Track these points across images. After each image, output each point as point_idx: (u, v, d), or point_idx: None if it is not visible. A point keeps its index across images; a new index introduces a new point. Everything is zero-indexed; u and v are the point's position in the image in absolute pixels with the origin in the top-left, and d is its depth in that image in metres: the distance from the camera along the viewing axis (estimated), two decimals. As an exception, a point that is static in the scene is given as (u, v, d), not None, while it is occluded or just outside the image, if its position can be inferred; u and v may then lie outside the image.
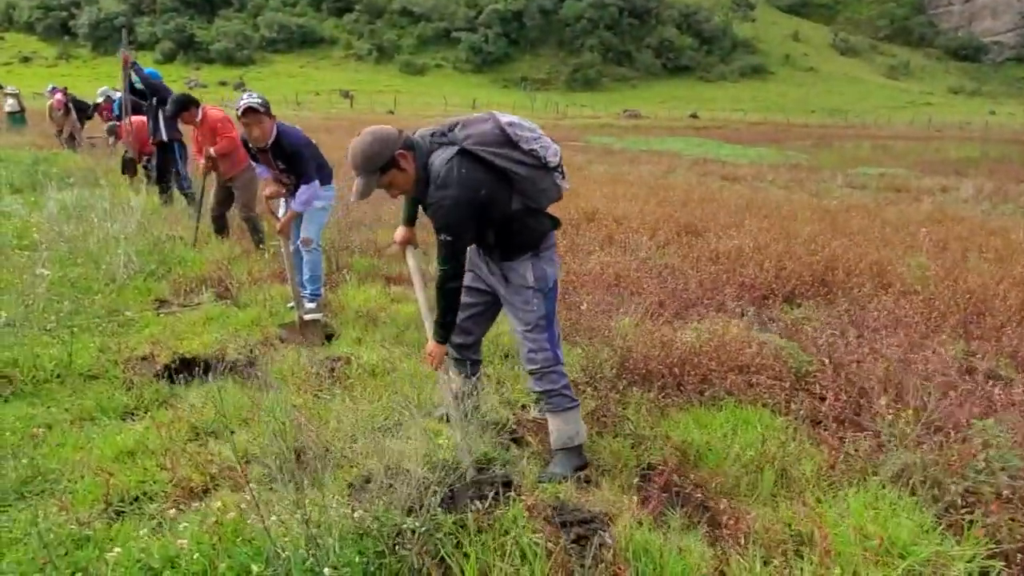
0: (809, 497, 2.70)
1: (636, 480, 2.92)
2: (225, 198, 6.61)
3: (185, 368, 3.63)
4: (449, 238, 2.66)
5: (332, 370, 3.88)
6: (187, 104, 6.34)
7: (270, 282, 5.57)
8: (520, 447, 3.12)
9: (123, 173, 8.85)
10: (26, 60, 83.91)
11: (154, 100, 8.20)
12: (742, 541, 2.35)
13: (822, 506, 2.62)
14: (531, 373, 2.99)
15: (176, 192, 8.57)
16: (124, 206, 7.73)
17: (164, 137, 8.22)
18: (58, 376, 3.56)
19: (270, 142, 4.53)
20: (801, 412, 3.48)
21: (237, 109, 4.42)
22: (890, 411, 3.51)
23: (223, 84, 71.35)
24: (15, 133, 18.41)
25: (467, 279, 3.02)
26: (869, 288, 6.31)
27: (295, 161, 4.58)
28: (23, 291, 4.55)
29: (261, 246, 6.40)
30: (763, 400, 3.68)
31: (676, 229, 9.26)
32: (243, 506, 2.23)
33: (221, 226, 6.76)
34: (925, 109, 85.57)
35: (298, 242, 4.79)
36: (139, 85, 8.23)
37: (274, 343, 4.33)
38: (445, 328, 2.87)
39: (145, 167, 10.09)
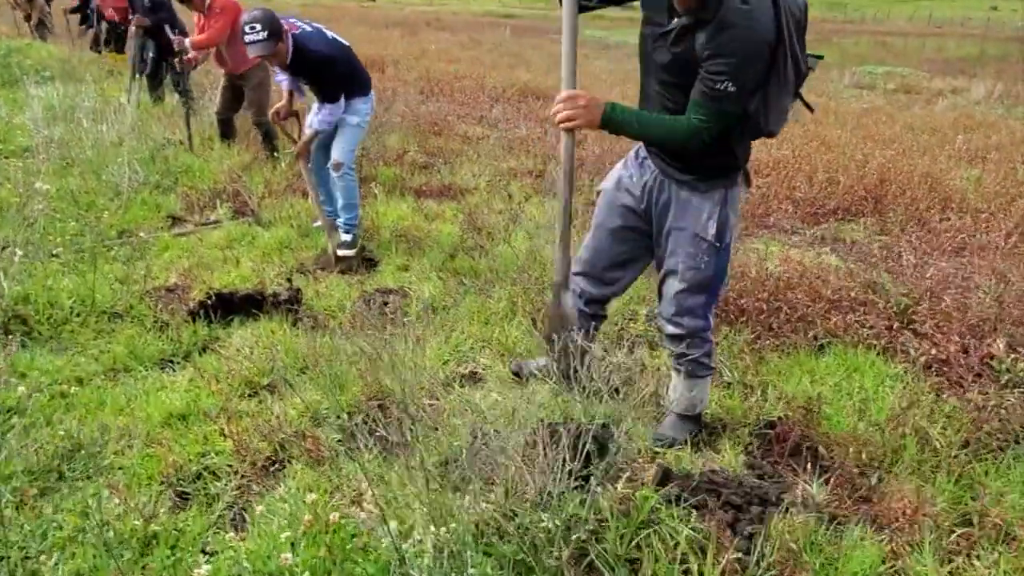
0: (962, 470, 2.38)
1: (756, 443, 2.58)
2: (233, 98, 5.91)
3: (222, 304, 3.17)
4: (733, 88, 1.98)
5: (385, 304, 3.44)
6: None
7: (291, 195, 5.02)
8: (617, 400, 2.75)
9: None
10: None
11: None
12: (917, 533, 2.03)
13: (991, 480, 2.30)
14: (670, 336, 2.49)
15: (169, 88, 7.76)
16: (114, 105, 7.00)
17: (148, 22, 7.35)
18: (77, 315, 3.08)
19: (289, 60, 3.87)
20: (920, 358, 3.12)
21: (247, 41, 3.66)
22: (1009, 355, 3.18)
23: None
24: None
25: (616, 214, 2.47)
26: (925, 204, 5.89)
27: (317, 76, 3.91)
28: (20, 209, 4.00)
29: (276, 154, 5.78)
30: (867, 341, 3.32)
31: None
32: (339, 497, 1.85)
33: (227, 130, 6.10)
34: (925, 4, 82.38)
35: (328, 166, 4.18)
36: None
37: (311, 271, 3.86)
38: (644, 125, 2.14)
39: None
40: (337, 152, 4.09)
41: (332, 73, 3.88)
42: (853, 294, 3.71)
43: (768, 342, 3.30)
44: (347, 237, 4.21)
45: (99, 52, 10.27)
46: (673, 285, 2.39)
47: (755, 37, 1.95)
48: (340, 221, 4.27)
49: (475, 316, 3.37)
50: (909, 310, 3.60)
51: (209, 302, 3.14)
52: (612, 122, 2.10)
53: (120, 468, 2.18)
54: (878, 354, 3.23)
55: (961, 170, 7.16)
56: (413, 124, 8.07)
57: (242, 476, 2.20)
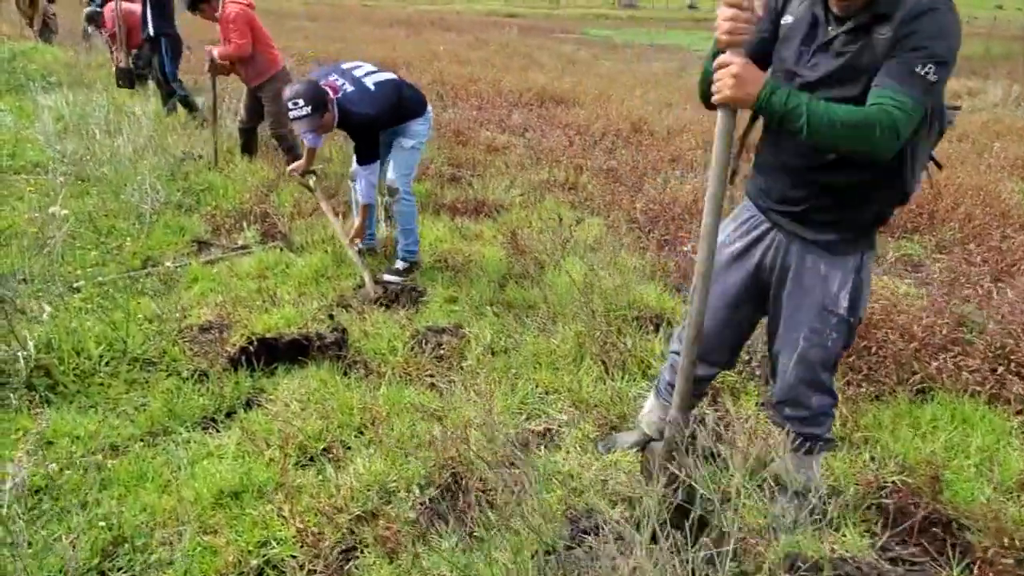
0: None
1: (877, 517, 2.28)
2: (255, 109, 5.61)
3: (265, 350, 2.87)
4: (934, 78, 1.64)
5: (439, 345, 3.13)
6: None
7: (322, 216, 4.72)
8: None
9: (120, 86, 7.66)
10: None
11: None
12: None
13: None
14: (792, 419, 2.14)
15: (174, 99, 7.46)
16: (128, 115, 6.70)
17: (151, 32, 7.07)
18: (107, 363, 2.78)
19: (336, 124, 3.63)
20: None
21: (292, 117, 3.49)
22: None
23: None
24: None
25: (728, 285, 2.11)
26: (981, 220, 5.59)
27: (359, 136, 3.68)
28: (36, 234, 3.70)
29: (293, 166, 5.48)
30: (970, 387, 3.03)
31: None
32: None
33: (250, 143, 5.79)
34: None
35: (385, 192, 3.92)
36: None
37: (353, 305, 3.55)
38: (819, 116, 1.65)
39: (137, 66, 8.87)
40: (393, 177, 3.80)
41: (374, 132, 3.66)
42: (944, 331, 3.41)
43: (863, 389, 3.01)
44: (401, 265, 3.94)
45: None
46: (794, 364, 2.04)
47: (957, 26, 1.65)
48: (399, 247, 3.99)
49: (539, 360, 3.07)
50: (1009, 350, 3.31)
51: (251, 348, 2.84)
52: (772, 106, 1.65)
53: (171, 564, 1.88)
54: (986, 403, 2.94)
55: (1012, 183, 6.87)
56: (436, 132, 7.76)
57: (310, 572, 1.90)
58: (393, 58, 15.05)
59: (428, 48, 19.70)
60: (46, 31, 12.25)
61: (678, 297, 3.82)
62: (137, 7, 7.54)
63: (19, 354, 2.62)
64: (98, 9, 9.01)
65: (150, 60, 7.61)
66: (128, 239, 4.00)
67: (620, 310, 3.51)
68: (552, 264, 4.24)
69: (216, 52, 5.30)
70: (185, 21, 7.24)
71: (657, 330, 3.40)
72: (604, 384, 2.91)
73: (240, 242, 4.31)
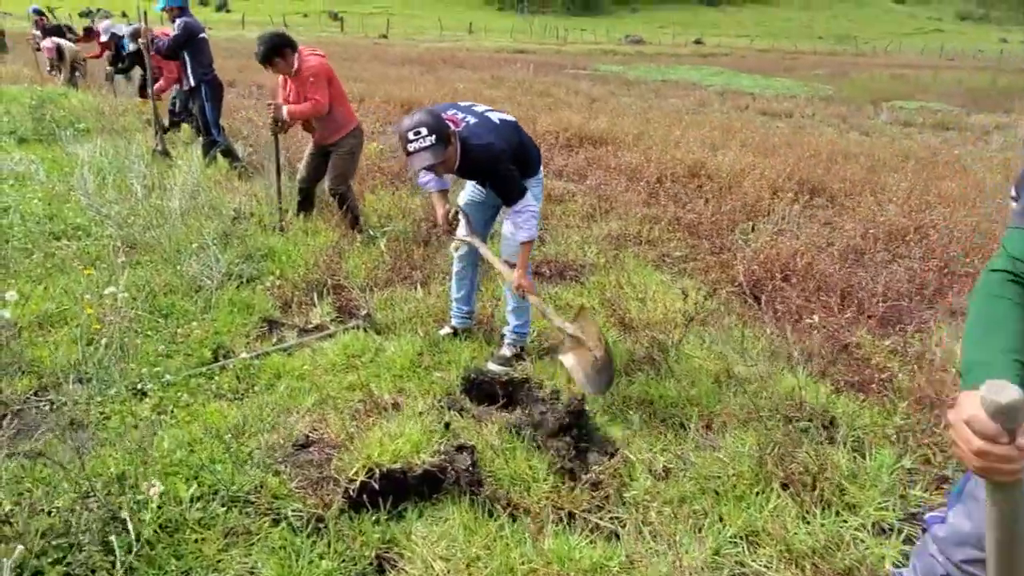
0: None
1: None
2: (318, 166, 5.12)
3: (391, 484, 2.31)
4: None
5: (598, 485, 2.53)
6: (280, 47, 4.76)
7: (400, 286, 4.20)
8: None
9: (204, 156, 7.14)
10: (-10, -24, 78.32)
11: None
12: None
13: None
14: None
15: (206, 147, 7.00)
16: (168, 165, 6.25)
17: (192, 82, 6.65)
18: (198, 507, 2.22)
19: (457, 164, 3.11)
20: None
21: (407, 150, 2.95)
22: None
23: (203, 4, 67.32)
24: (-3, 61, 16.42)
25: None
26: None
27: (491, 175, 3.16)
28: (89, 320, 3.17)
29: (369, 232, 4.98)
30: None
31: (802, 189, 7.93)
32: None
33: (307, 202, 5.29)
34: (935, 36, 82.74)
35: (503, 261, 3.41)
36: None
37: (467, 409, 2.99)
38: None
39: (173, 113, 8.46)
40: (513, 247, 3.28)
41: (510, 166, 3.12)
42: None
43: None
44: (509, 350, 3.39)
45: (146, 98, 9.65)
46: None
47: None
48: (507, 329, 3.45)
49: (716, 486, 2.50)
50: None
51: (374, 483, 2.28)
52: None
53: None
54: None
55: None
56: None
57: None
58: (418, 98, 14.72)
59: (449, 87, 19.48)
60: (73, 75, 11.94)
61: (849, 394, 3.26)
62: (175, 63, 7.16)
63: (89, 501, 2.07)
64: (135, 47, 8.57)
65: (187, 106, 7.20)
66: (193, 322, 3.47)
67: (784, 411, 2.96)
68: (670, 342, 3.70)
69: (287, 109, 4.81)
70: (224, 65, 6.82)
71: (832, 441, 2.83)
72: (807, 523, 2.33)
73: (315, 320, 3.77)
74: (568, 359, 3.11)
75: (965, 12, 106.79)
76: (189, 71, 6.55)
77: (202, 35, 6.55)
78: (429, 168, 2.98)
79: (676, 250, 5.69)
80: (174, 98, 8.33)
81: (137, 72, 11.47)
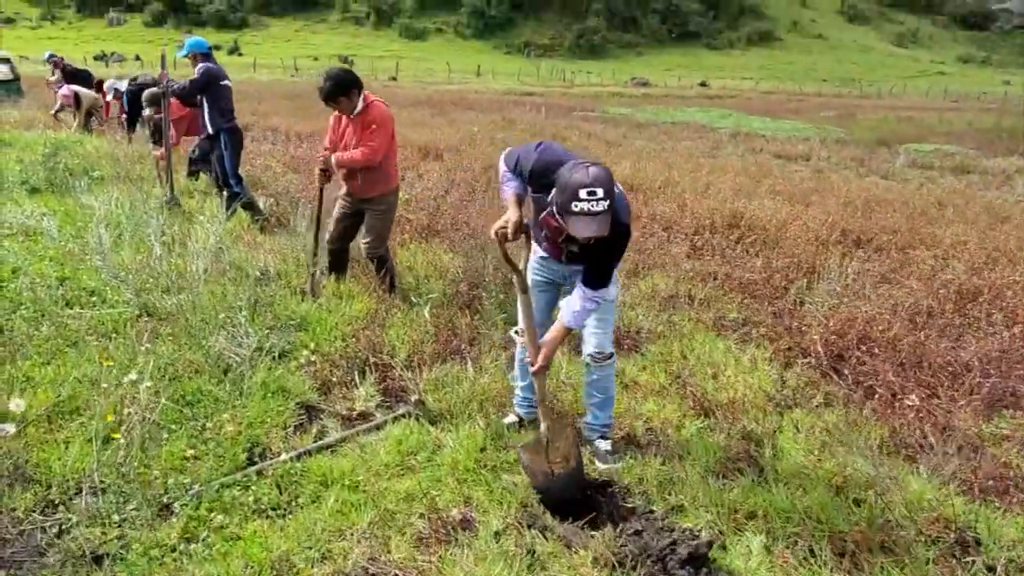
0: None
1: None
2: (353, 224, 4.74)
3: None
4: None
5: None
6: (349, 84, 4.34)
7: (450, 363, 3.76)
8: None
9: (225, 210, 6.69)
10: (9, 22, 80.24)
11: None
12: None
13: None
14: None
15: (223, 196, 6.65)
16: (186, 217, 5.89)
17: (210, 129, 6.35)
18: None
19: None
20: None
21: (575, 211, 2.39)
22: None
23: (216, 48, 68.25)
24: (10, 105, 16.31)
25: None
26: None
27: (596, 259, 2.66)
28: (105, 411, 2.73)
29: (411, 299, 4.57)
30: None
31: (845, 239, 7.57)
32: None
33: (340, 262, 4.89)
34: (938, 79, 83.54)
35: (585, 358, 2.96)
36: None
37: (550, 527, 2.52)
38: None
39: (191, 161, 8.17)
40: (599, 339, 2.84)
41: (622, 251, 2.67)
42: None
43: None
44: (606, 444, 2.95)
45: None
46: None
47: None
48: (591, 421, 3.02)
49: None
50: None
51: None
52: None
53: None
54: None
55: None
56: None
57: None
58: (435, 142, 14.50)
59: (463, 130, 19.38)
60: (88, 120, 11.74)
61: (985, 502, 2.79)
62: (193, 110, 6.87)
63: None
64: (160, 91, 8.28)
65: (207, 156, 6.90)
66: (224, 412, 3.03)
67: (924, 529, 2.49)
68: (763, 432, 3.25)
69: (336, 157, 4.42)
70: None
71: (993, 572, 2.36)
72: None
73: (359, 406, 3.33)
74: (524, 456, 2.72)
75: (967, 56, 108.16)
76: (207, 118, 6.25)
77: (224, 82, 6.25)
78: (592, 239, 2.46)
79: (732, 311, 5.28)
80: (195, 145, 8.06)
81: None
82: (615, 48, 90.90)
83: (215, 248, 4.96)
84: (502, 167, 2.88)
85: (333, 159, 4.43)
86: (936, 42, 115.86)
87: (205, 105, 6.22)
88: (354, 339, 3.92)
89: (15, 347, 3.50)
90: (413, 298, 4.47)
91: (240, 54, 68.20)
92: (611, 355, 2.95)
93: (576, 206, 2.34)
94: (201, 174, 8.22)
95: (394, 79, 49.86)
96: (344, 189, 4.77)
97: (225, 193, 6.47)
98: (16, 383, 2.99)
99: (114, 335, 3.75)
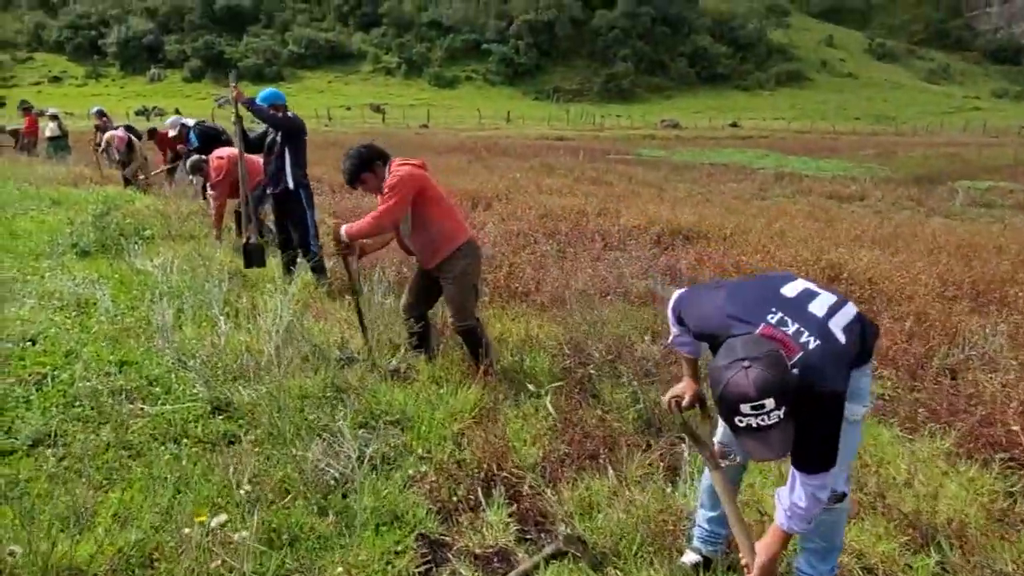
0: None
1: None
2: (426, 290, 4.14)
3: None
4: None
5: None
6: (369, 159, 3.90)
7: (590, 475, 3.05)
8: None
9: (249, 266, 6.14)
10: (56, 80, 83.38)
11: (278, 135, 5.86)
12: None
13: None
14: None
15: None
16: (250, 288, 5.34)
17: (291, 184, 5.83)
18: None
19: None
20: None
21: (744, 426, 1.77)
22: None
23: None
24: (58, 161, 16.29)
25: None
26: None
27: (801, 431, 1.88)
28: (193, 565, 2.08)
29: (491, 369, 3.91)
30: None
31: (961, 293, 6.81)
32: None
33: (423, 337, 4.26)
34: (974, 114, 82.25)
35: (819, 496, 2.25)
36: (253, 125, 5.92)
37: None
38: None
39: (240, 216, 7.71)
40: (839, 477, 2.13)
41: (837, 423, 1.94)
42: None
43: None
44: None
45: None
46: None
47: None
48: (806, 570, 2.28)
49: None
50: None
51: None
52: None
53: None
54: None
55: None
56: (620, 298, 6.21)
57: None
58: (481, 190, 14.03)
59: (505, 176, 19.01)
60: (134, 178, 11.49)
61: None
62: (258, 157, 6.38)
63: None
64: (203, 158, 7.95)
65: (283, 222, 6.29)
66: (332, 555, 2.35)
67: None
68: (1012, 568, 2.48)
69: (346, 228, 3.89)
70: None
71: None
72: None
73: (490, 538, 2.63)
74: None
75: (1000, 90, 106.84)
76: (288, 171, 5.74)
77: (305, 136, 5.80)
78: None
79: (875, 386, 4.52)
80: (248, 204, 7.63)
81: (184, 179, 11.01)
82: (643, 92, 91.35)
83: (287, 322, 4.36)
84: (670, 315, 2.36)
85: (343, 231, 3.88)
86: (968, 78, 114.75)
87: (287, 157, 5.74)
88: (467, 440, 3.24)
89: (73, 459, 2.89)
90: (526, 383, 3.78)
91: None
92: (843, 495, 2.22)
93: (740, 421, 1.76)
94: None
95: (425, 126, 50.35)
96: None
97: (299, 254, 5.91)
98: (76, 519, 2.35)
99: (184, 440, 3.13)
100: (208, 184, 7.81)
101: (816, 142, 46.04)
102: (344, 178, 3.99)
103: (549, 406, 3.46)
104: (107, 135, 11.89)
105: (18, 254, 6.66)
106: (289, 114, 5.82)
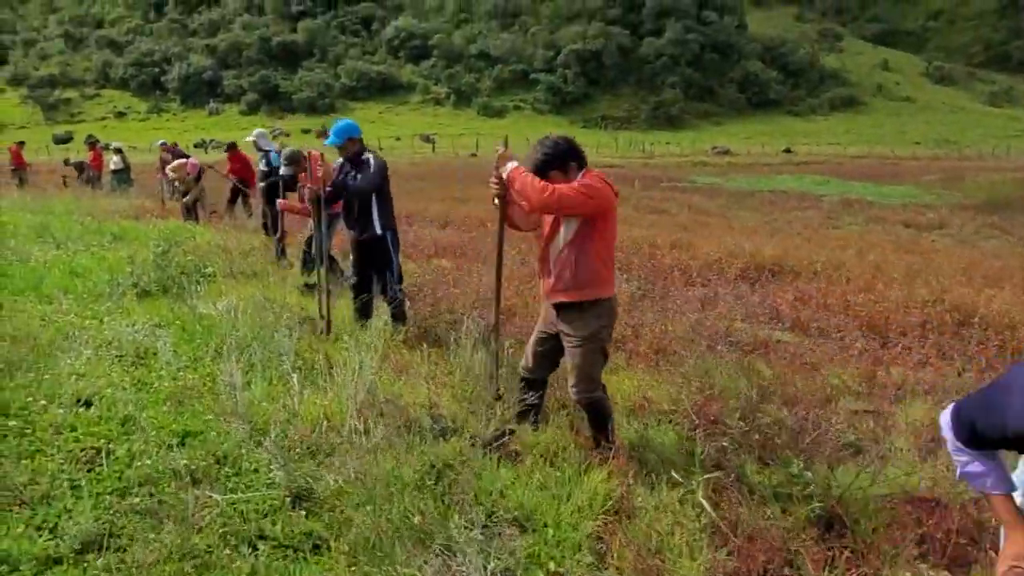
0: None
1: None
2: (550, 352, 3.51)
3: None
4: None
5: None
6: (568, 154, 3.32)
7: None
8: None
9: (361, 318, 5.44)
10: (120, 115, 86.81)
11: (356, 172, 5.36)
12: None
13: None
14: None
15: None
16: (322, 338, 4.81)
17: (378, 230, 5.25)
18: None
19: None
20: None
21: None
22: None
23: (305, 132, 71.39)
24: (120, 194, 16.39)
25: None
26: None
27: None
28: None
29: (606, 446, 3.23)
30: None
31: None
32: None
33: (538, 409, 3.62)
34: (1043, 137, 78.82)
35: None
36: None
37: None
38: None
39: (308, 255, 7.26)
40: None
41: None
42: None
43: None
44: None
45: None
46: None
47: None
48: None
49: None
50: None
51: None
52: None
53: None
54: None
55: None
56: (729, 347, 5.47)
57: None
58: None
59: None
60: (192, 211, 11.27)
61: None
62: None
63: None
64: (301, 151, 7.35)
65: (364, 268, 5.72)
66: None
67: None
68: None
69: (512, 168, 3.26)
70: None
71: None
72: None
73: None
74: None
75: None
76: (376, 217, 5.20)
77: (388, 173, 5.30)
78: None
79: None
80: (310, 237, 7.18)
81: (258, 206, 10.73)
82: (692, 118, 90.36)
83: (369, 381, 3.78)
84: (949, 437, 1.75)
85: (509, 167, 3.25)
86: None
87: (374, 202, 5.20)
88: (606, 547, 2.58)
89: (127, 571, 2.32)
90: (661, 465, 3.10)
91: (328, 136, 71.01)
92: None
93: None
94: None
95: (475, 155, 50.37)
96: (542, 313, 3.62)
97: (387, 300, 5.34)
98: None
99: (260, 543, 2.54)
100: (302, 186, 7.29)
101: (876, 167, 44.44)
102: (530, 164, 3.29)
103: (704, 503, 2.77)
104: (177, 161, 11.78)
105: (78, 294, 6.30)
106: (369, 158, 5.24)
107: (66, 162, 22.46)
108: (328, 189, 5.21)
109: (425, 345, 4.83)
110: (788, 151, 59.15)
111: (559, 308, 3.41)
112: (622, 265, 9.17)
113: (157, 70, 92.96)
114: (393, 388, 4.01)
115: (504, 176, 3.29)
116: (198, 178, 11.00)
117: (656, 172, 38.23)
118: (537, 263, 3.57)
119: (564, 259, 3.34)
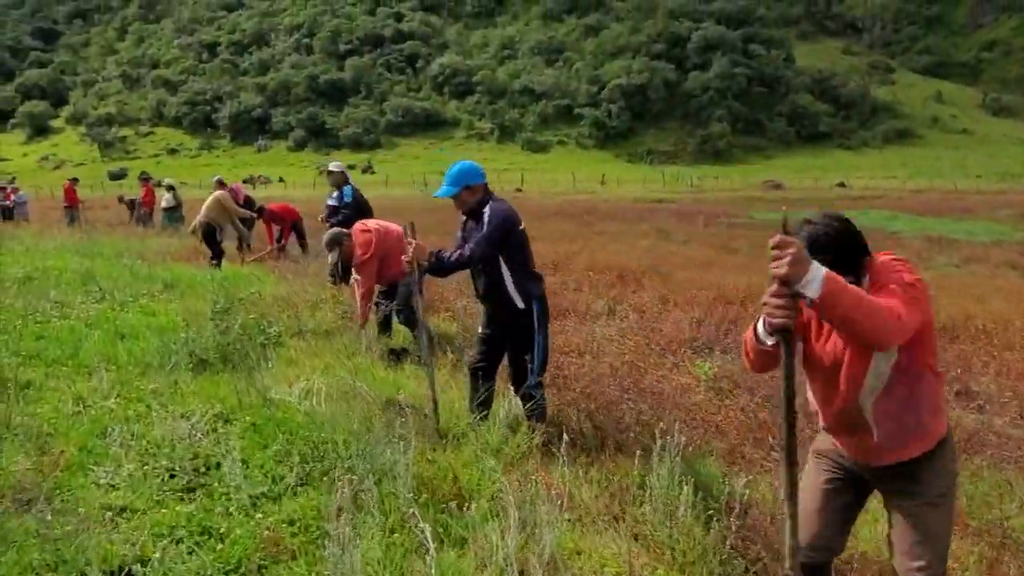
0: None
1: None
2: (845, 512, 2.16)
3: None
4: None
5: None
6: (854, 246, 1.99)
7: None
8: None
9: (479, 409, 3.98)
10: (173, 152, 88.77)
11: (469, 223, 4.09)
12: None
13: None
14: None
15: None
16: (450, 460, 3.54)
17: (519, 303, 3.79)
18: None
19: None
20: None
21: None
22: None
23: (351, 167, 71.84)
24: (171, 232, 15.63)
25: None
26: None
27: None
28: None
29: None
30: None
31: None
32: None
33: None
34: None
35: None
36: None
37: None
38: None
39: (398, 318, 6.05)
40: None
41: None
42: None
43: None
44: None
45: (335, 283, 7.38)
46: None
47: None
48: None
49: None
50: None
51: None
52: None
53: None
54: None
55: None
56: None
57: None
58: (619, 263, 12.14)
59: (626, 243, 17.20)
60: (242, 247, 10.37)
61: None
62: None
63: None
64: (343, 231, 6.30)
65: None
66: None
67: None
68: None
69: (826, 277, 1.92)
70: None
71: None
72: None
73: None
74: None
75: None
76: (509, 286, 3.79)
77: (521, 226, 3.92)
78: None
79: None
80: (399, 303, 6.04)
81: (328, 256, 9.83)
82: (739, 152, 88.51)
83: (545, 543, 2.46)
84: None
85: (818, 277, 1.87)
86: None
87: (503, 267, 3.81)
88: None
89: None
90: None
91: (372, 172, 71.28)
92: None
93: None
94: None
95: (520, 190, 49.52)
96: (821, 435, 2.28)
97: (520, 393, 3.98)
98: None
99: None
100: (349, 266, 6.19)
101: (939, 202, 42.12)
102: (806, 242, 2.02)
103: None
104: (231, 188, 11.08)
105: (121, 365, 5.17)
106: (496, 207, 3.88)
107: (120, 199, 22.04)
108: (424, 266, 3.86)
109: (584, 457, 3.52)
110: (842, 185, 56.96)
111: (889, 468, 2.08)
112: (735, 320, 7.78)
113: (209, 108, 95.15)
114: (570, 547, 2.67)
115: (814, 295, 1.82)
116: (247, 205, 10.20)
117: (709, 207, 36.62)
118: (816, 405, 2.24)
119: (884, 411, 2.03)
